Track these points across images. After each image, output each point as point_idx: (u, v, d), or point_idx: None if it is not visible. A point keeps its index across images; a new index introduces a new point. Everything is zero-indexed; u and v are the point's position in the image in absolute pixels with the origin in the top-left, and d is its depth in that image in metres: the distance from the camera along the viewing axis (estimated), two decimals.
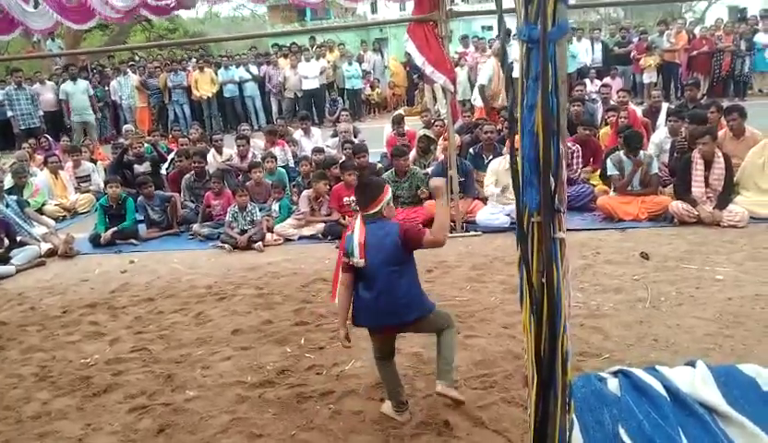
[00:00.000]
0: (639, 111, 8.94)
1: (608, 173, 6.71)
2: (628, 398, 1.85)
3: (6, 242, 6.71)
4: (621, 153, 6.62)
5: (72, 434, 3.47)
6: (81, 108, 13.66)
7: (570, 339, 1.81)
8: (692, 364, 2.02)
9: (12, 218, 7.15)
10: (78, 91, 13.71)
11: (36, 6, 7.00)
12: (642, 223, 6.28)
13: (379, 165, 8.36)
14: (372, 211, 3.15)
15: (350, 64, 15.45)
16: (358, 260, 3.07)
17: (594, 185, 7.13)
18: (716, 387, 1.87)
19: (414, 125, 10.08)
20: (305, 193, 7.16)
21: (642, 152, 6.60)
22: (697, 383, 1.89)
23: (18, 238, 6.97)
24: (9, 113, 13.68)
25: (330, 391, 3.66)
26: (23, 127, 13.47)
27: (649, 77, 13.71)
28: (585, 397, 1.90)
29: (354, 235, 3.10)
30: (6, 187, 7.97)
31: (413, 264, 3.19)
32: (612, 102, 9.18)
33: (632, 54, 14.17)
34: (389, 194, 3.21)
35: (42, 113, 14.16)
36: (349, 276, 3.16)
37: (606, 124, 8.55)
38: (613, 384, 1.96)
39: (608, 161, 6.73)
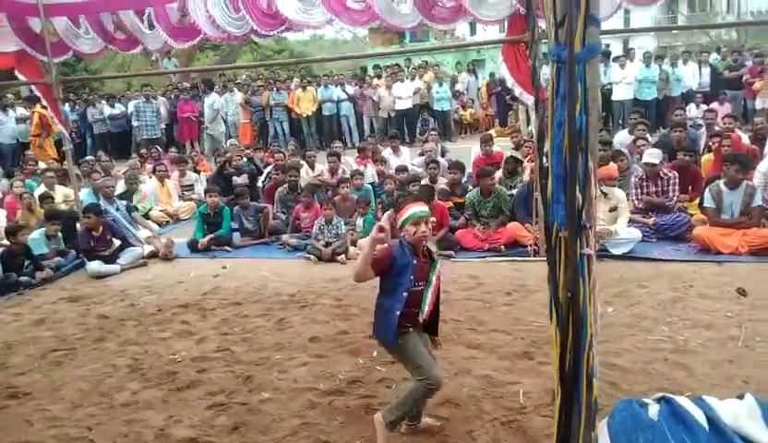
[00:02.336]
0: (745, 138, 8.41)
1: (705, 205, 6.36)
2: (664, 424, 1.79)
3: (116, 243, 7.28)
4: (721, 184, 6.25)
5: (155, 424, 3.71)
6: (209, 121, 14.89)
7: (596, 356, 1.78)
8: (741, 397, 1.91)
9: (120, 220, 7.76)
10: (206, 106, 14.94)
11: (151, 28, 7.63)
12: (741, 257, 5.88)
13: (469, 186, 8.34)
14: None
15: (440, 85, 15.55)
16: None
17: (692, 215, 6.77)
18: (763, 421, 1.75)
19: (504, 146, 10.00)
20: (387, 213, 7.28)
21: (745, 182, 6.21)
22: (741, 415, 1.78)
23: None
24: (135, 124, 15.22)
25: None
26: (146, 137, 14.77)
27: (762, 103, 12.83)
28: (623, 420, 1.85)
29: None
30: (118, 192, 8.68)
31: (379, 288, 3.21)
32: (717, 129, 8.70)
33: (745, 78, 13.34)
34: (405, 214, 3.13)
35: (164, 125, 15.43)
36: None
37: (710, 150, 8.10)
38: (653, 410, 1.89)
39: (707, 191, 6.37)
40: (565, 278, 1.71)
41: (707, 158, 7.97)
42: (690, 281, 5.40)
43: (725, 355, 4.00)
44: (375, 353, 4.43)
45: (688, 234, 6.40)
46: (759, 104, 12.85)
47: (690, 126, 9.59)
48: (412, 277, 3.06)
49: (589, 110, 1.60)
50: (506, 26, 6.97)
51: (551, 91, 1.69)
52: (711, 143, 8.09)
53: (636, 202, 6.98)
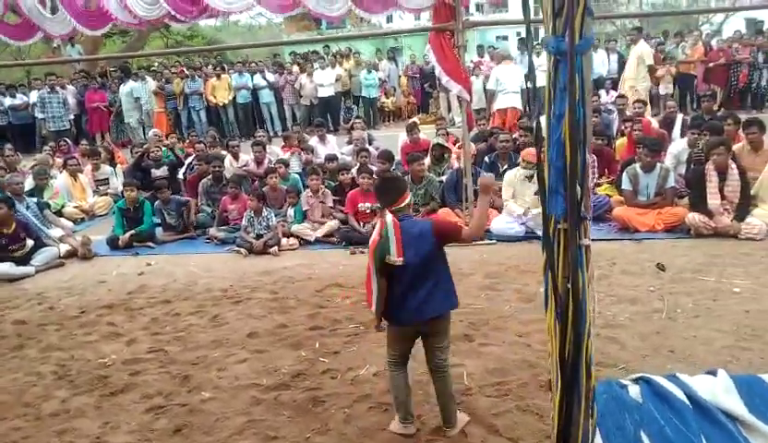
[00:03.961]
0: (654, 122, 8.92)
1: (622, 187, 6.70)
2: (650, 404, 1.86)
3: (30, 243, 6.79)
4: (637, 167, 6.60)
5: (90, 432, 3.52)
6: (127, 110, 14.58)
7: (593, 344, 1.81)
8: (713, 372, 2.02)
9: (30, 219, 7.24)
10: (123, 94, 14.57)
11: (54, 13, 7.12)
12: (658, 235, 6.25)
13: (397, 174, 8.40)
14: (401, 205, 3.10)
15: (369, 72, 15.51)
16: (396, 259, 2.97)
17: (610, 196, 7.11)
18: (738, 396, 1.87)
19: (429, 133, 10.10)
20: (303, 193, 7.38)
21: (659, 165, 6.58)
22: (718, 391, 1.89)
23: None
24: (40, 116, 14.21)
25: (345, 396, 3.69)
26: (53, 129, 13.87)
27: (665, 89, 13.63)
28: (606, 402, 1.91)
29: (390, 233, 2.99)
30: (26, 189, 8.10)
31: (443, 257, 3.18)
32: (628, 113, 9.16)
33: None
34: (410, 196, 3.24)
35: (72, 116, 14.53)
36: (385, 280, 3.05)
37: (623, 135, 8.53)
38: (634, 390, 1.97)
39: (624, 174, 6.71)
40: (564, 268, 1.72)
41: (621, 142, 8.38)
42: (612, 259, 5.68)
43: (651, 328, 4.25)
44: (317, 345, 4.39)
45: (608, 215, 6.73)
46: (662, 90, 13.63)
47: (603, 112, 10.05)
48: None
49: (586, 102, 1.62)
50: (427, 13, 7.02)
51: (548, 84, 1.69)
52: (623, 128, 8.51)
53: None
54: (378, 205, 3.16)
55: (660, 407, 1.84)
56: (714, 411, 1.83)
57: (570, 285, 1.71)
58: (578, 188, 1.65)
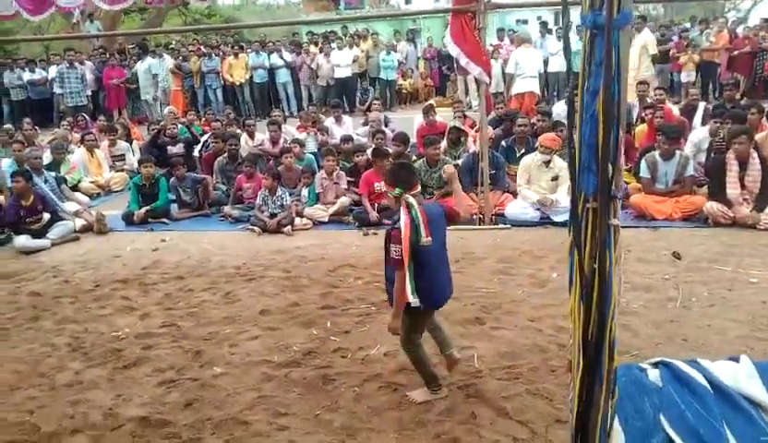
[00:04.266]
0: (675, 109, 8.77)
1: (640, 174, 6.61)
2: (670, 388, 1.83)
3: (46, 216, 6.86)
4: (656, 154, 6.50)
5: (103, 403, 3.56)
6: (144, 86, 14.76)
7: (617, 326, 1.79)
8: (735, 359, 1.99)
9: (47, 193, 7.31)
10: (140, 71, 14.70)
11: None
12: (675, 223, 6.18)
13: (413, 156, 8.34)
14: (418, 190, 3.22)
15: (387, 53, 15.39)
16: (426, 240, 3.02)
17: (628, 183, 7.02)
18: (761, 382, 1.84)
19: (445, 116, 10.03)
20: (317, 175, 7.35)
21: (678, 153, 6.48)
22: (741, 377, 1.86)
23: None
24: (59, 91, 14.32)
25: (355, 374, 3.70)
26: (71, 105, 13.98)
27: (687, 76, 13.40)
28: (625, 386, 1.88)
29: (419, 216, 3.04)
30: (44, 163, 8.17)
31: None
32: (649, 100, 9.01)
33: (671, 52, 13.85)
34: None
35: (89, 92, 14.63)
36: (411, 264, 3.08)
37: (643, 121, 8.40)
38: (654, 374, 1.94)
39: (643, 161, 6.61)
40: (591, 248, 1.69)
41: (641, 129, 8.25)
42: (627, 246, 5.60)
43: (665, 316, 4.20)
44: (328, 324, 4.40)
45: (624, 202, 6.63)
46: (684, 77, 13.41)
47: None
48: None
49: (621, 78, 1.59)
50: None
51: (583, 60, 1.65)
52: (644, 114, 8.37)
53: None
54: (397, 189, 3.15)
55: (680, 391, 1.81)
56: (735, 396, 1.79)
57: (596, 265, 1.67)
58: (609, 166, 1.62)
